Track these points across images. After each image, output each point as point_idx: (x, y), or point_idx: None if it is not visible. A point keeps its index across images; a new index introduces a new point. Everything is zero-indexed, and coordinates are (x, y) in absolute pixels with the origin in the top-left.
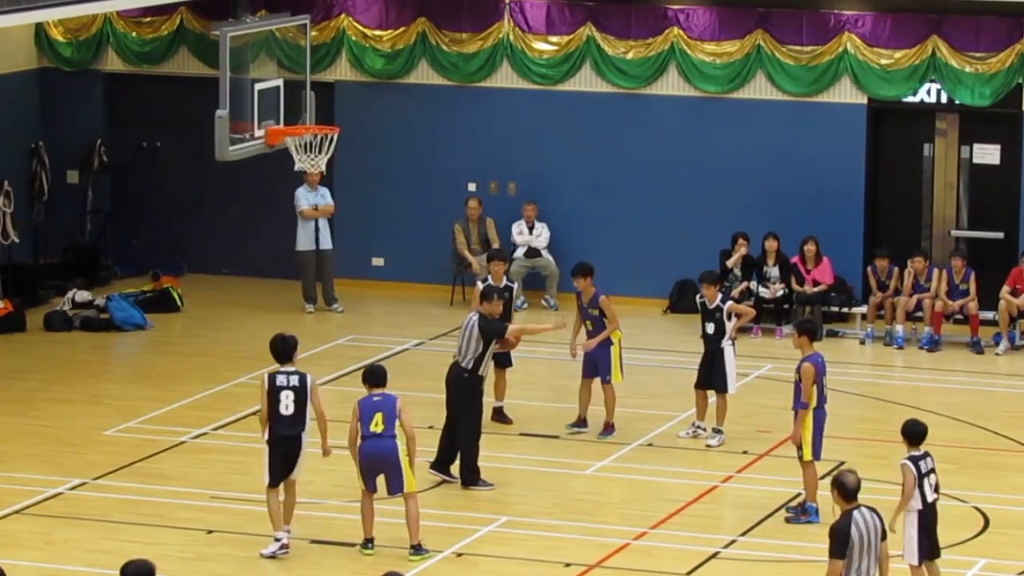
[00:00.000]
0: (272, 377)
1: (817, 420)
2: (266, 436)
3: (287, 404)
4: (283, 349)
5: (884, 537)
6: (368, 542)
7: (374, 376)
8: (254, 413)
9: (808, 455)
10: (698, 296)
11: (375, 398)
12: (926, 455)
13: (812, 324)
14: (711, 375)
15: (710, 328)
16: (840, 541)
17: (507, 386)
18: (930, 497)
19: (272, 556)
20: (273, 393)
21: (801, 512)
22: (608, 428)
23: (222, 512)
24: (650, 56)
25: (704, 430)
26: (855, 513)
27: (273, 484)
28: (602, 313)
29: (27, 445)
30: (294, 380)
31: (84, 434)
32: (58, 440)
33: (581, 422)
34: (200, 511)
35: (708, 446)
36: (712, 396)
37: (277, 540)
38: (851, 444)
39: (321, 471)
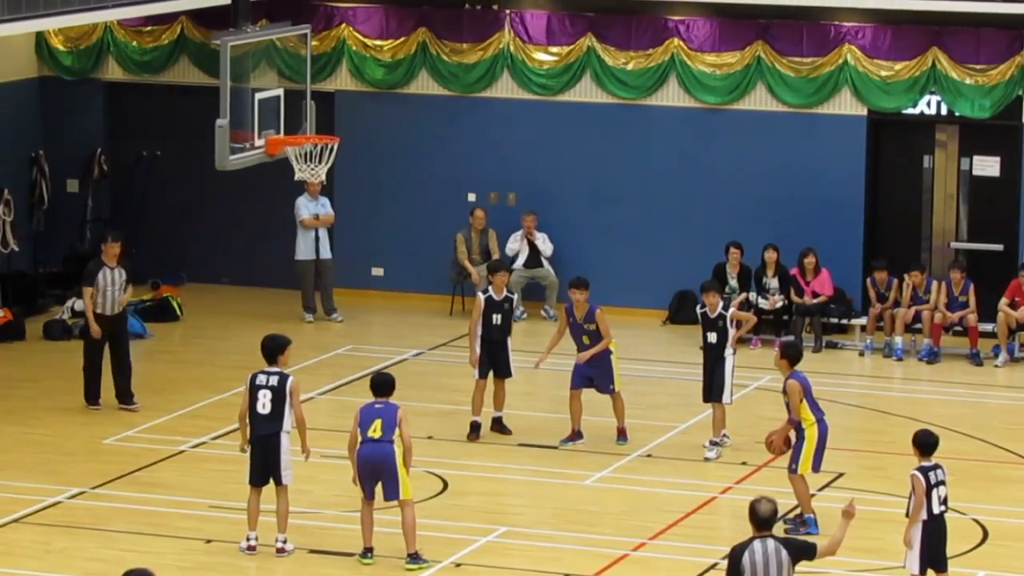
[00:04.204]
0: (254, 376)
1: (820, 433)
2: (248, 435)
3: (264, 403)
4: (268, 348)
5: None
6: (367, 551)
7: (379, 385)
8: None
9: (806, 468)
10: (699, 306)
11: (377, 406)
12: (937, 466)
13: (797, 349)
14: (710, 384)
15: (712, 338)
16: (730, 565)
17: (506, 396)
18: (936, 509)
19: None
20: (252, 392)
21: (800, 523)
22: (623, 433)
23: (221, 521)
24: (650, 67)
25: (728, 437)
26: (756, 542)
27: (252, 483)
28: (598, 327)
29: (26, 454)
30: (273, 380)
31: (83, 443)
32: (57, 449)
33: (576, 435)
34: (199, 520)
35: (706, 459)
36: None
37: (247, 539)
38: (850, 456)
39: (319, 481)
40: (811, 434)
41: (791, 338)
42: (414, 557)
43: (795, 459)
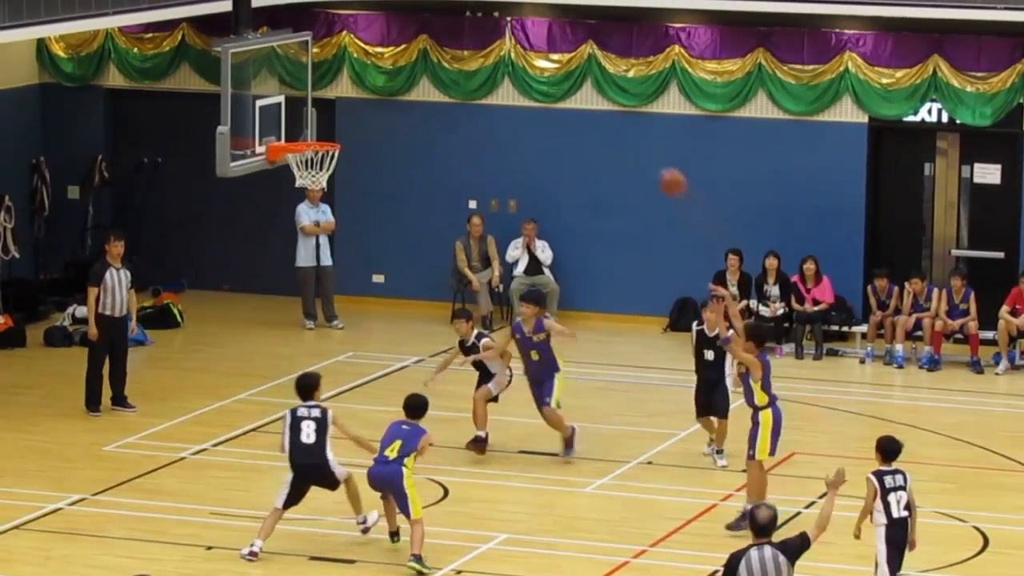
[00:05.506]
0: (294, 411)
1: (775, 417)
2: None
3: (308, 433)
4: (304, 387)
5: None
6: (393, 535)
7: (411, 407)
8: (254, 429)
9: (763, 454)
10: (695, 324)
11: (404, 427)
12: (896, 472)
13: (762, 330)
14: (712, 402)
15: (710, 355)
16: (727, 573)
17: (505, 404)
18: (896, 513)
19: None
20: (295, 424)
21: (742, 519)
22: (570, 444)
23: (221, 528)
24: (651, 74)
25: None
26: (752, 550)
27: (283, 506)
28: (548, 336)
29: (27, 460)
30: (316, 412)
31: (84, 450)
32: (58, 455)
33: (570, 440)
34: (199, 527)
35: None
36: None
37: (251, 546)
38: (850, 463)
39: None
40: (765, 418)
41: (752, 320)
42: (417, 557)
43: (752, 445)
